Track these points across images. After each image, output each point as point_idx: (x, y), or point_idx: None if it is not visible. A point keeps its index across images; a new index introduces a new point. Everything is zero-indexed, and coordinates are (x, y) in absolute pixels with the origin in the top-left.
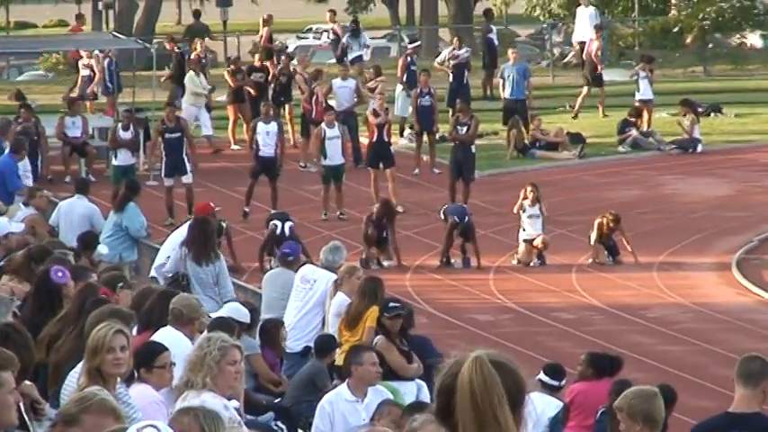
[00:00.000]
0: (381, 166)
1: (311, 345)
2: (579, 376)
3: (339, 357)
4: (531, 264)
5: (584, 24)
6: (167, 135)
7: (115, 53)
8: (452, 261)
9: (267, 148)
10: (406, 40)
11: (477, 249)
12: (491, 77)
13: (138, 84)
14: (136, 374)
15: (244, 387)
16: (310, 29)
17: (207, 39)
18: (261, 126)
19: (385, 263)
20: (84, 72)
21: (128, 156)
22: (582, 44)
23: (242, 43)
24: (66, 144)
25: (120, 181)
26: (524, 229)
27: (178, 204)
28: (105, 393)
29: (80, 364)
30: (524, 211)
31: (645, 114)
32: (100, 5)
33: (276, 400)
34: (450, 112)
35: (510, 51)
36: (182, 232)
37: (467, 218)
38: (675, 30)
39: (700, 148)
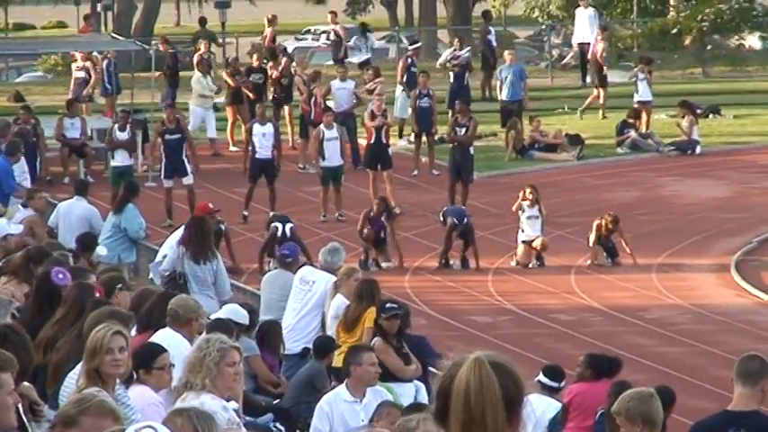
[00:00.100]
0: (379, 167)
1: (310, 346)
2: (578, 377)
3: (336, 359)
4: (530, 265)
5: (584, 26)
6: (167, 136)
7: (114, 55)
8: (451, 262)
9: (264, 149)
10: (405, 41)
11: (476, 251)
12: (490, 79)
13: (137, 85)
14: (135, 376)
15: (243, 388)
16: (309, 30)
17: (213, 45)
18: (257, 128)
19: (384, 264)
20: (79, 74)
21: (125, 156)
22: (581, 45)
23: (240, 45)
24: (64, 145)
25: (119, 182)
26: (523, 231)
27: (177, 206)
28: (104, 395)
29: (79, 366)
30: (523, 212)
31: (644, 116)
32: (98, 7)
33: (275, 402)
34: (450, 114)
35: (506, 53)
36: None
37: (466, 219)
38: (674, 31)
39: (698, 149)
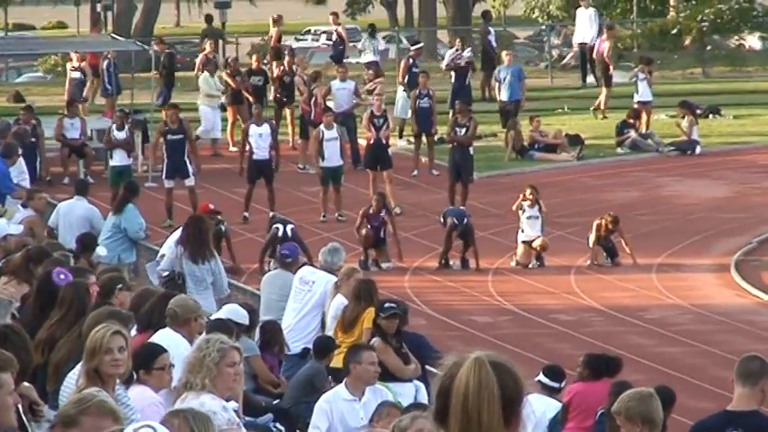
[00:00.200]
0: (379, 167)
1: (310, 346)
2: (578, 377)
3: (335, 360)
4: (530, 265)
5: (585, 26)
6: (169, 136)
7: (114, 55)
8: (451, 263)
9: (261, 150)
10: (405, 41)
11: (476, 251)
12: (490, 79)
13: (137, 85)
14: (135, 376)
15: (243, 388)
16: (309, 30)
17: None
18: (253, 129)
19: (384, 265)
20: (74, 74)
21: (123, 156)
22: (582, 45)
23: (240, 45)
24: (64, 146)
25: (117, 182)
26: (523, 231)
27: (177, 206)
28: (104, 395)
29: (79, 366)
30: (523, 212)
31: (643, 116)
32: (98, 7)
33: (275, 402)
34: (451, 114)
35: (504, 53)
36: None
37: (466, 219)
38: (674, 31)
39: (698, 149)
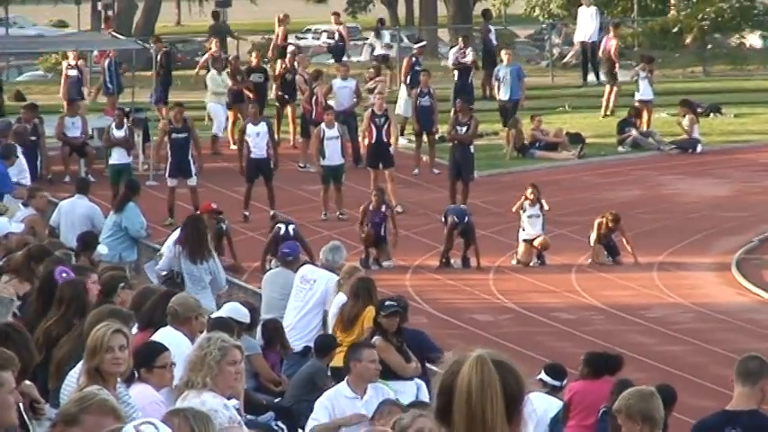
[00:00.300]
0: (381, 166)
1: (311, 345)
2: (579, 375)
3: (335, 359)
4: (531, 264)
5: (586, 24)
6: (174, 135)
7: (115, 54)
8: (452, 261)
9: (258, 149)
10: (406, 40)
11: (477, 249)
12: (491, 78)
13: (138, 84)
14: (136, 374)
15: (244, 387)
16: (309, 29)
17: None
18: (250, 128)
19: (385, 263)
20: (71, 72)
21: (122, 154)
22: (583, 44)
23: (241, 44)
24: (65, 144)
25: (117, 180)
26: (524, 229)
27: (179, 205)
28: (105, 393)
29: (80, 364)
30: (524, 211)
31: (644, 114)
32: (99, 6)
33: (276, 400)
34: (452, 112)
35: (503, 52)
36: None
37: (466, 218)
38: (675, 30)
39: (699, 148)
